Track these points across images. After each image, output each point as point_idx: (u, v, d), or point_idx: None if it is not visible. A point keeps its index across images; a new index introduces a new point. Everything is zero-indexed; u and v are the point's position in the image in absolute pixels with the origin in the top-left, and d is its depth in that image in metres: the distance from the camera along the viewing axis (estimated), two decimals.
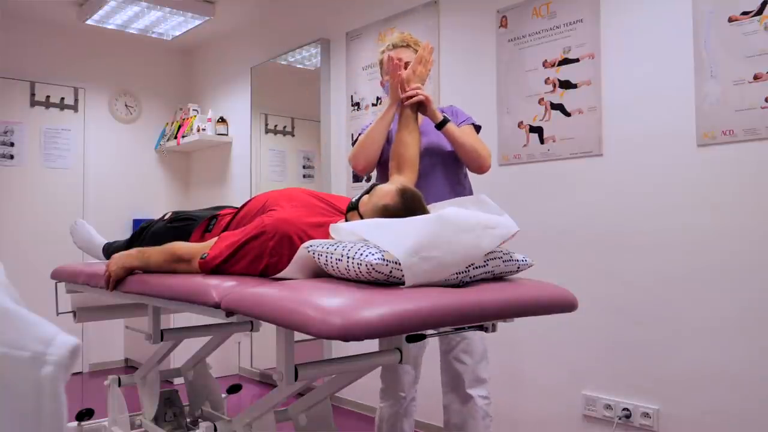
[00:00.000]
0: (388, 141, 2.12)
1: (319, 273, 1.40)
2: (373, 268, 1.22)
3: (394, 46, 2.15)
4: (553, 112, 2.64)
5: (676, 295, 2.27)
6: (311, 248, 1.36)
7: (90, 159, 4.71)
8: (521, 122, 2.75)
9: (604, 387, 2.48)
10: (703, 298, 2.20)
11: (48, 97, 4.55)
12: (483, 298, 1.28)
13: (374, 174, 2.31)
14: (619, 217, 2.43)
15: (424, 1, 3.18)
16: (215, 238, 1.69)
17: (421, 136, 2.03)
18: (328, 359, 2.36)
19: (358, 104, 3.57)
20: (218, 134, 4.65)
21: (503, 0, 2.83)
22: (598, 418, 2.47)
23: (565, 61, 2.59)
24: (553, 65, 2.64)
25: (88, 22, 4.29)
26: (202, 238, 1.87)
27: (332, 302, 1.14)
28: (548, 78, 2.65)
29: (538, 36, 2.69)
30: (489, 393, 2.12)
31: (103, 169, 4.77)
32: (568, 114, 2.59)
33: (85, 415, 2.43)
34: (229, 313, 1.38)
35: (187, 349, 2.47)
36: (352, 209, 1.61)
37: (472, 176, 2.23)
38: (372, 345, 1.48)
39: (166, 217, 2.10)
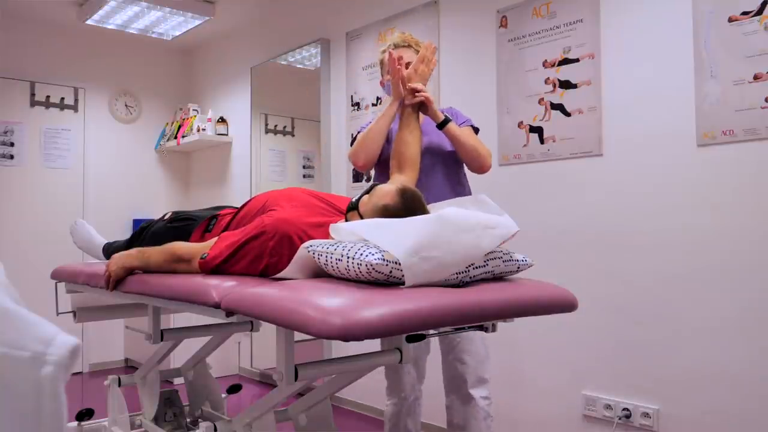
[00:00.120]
0: (388, 140, 2.12)
1: (319, 273, 1.40)
2: (373, 268, 1.22)
3: (396, 46, 2.15)
4: (553, 112, 2.64)
5: (676, 295, 2.27)
6: (311, 248, 1.36)
7: (90, 159, 4.71)
8: (521, 122, 2.75)
9: (604, 387, 2.48)
10: (703, 298, 2.20)
11: (48, 97, 4.55)
12: (483, 298, 1.28)
13: (373, 173, 2.31)
14: (619, 217, 2.43)
15: (424, 1, 3.18)
16: (215, 238, 1.69)
17: (422, 135, 2.03)
18: (328, 359, 2.37)
19: (358, 104, 3.57)
20: (218, 134, 4.65)
21: (503, 0, 2.83)
22: (598, 418, 2.47)
23: (565, 61, 2.59)
24: (553, 65, 2.64)
25: (88, 22, 4.29)
26: (202, 238, 1.87)
27: (332, 302, 1.14)
28: (548, 78, 2.65)
29: (538, 36, 2.69)
30: (490, 393, 2.12)
31: (103, 169, 4.77)
32: (568, 114, 2.59)
33: (85, 415, 2.43)
34: (229, 313, 1.38)
35: (187, 349, 2.47)
36: (352, 209, 1.61)
37: (472, 176, 2.23)
38: (372, 345, 1.48)
39: (166, 217, 2.10)
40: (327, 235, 1.48)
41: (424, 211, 1.51)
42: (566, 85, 2.59)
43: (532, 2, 2.72)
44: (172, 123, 4.96)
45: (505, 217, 1.42)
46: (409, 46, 2.16)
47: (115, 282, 1.82)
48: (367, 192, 1.61)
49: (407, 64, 2.05)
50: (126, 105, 4.92)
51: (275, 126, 4.40)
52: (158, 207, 4.87)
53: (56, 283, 2.32)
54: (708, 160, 2.20)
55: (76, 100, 4.67)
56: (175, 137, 4.80)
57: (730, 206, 2.15)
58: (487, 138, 2.81)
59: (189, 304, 1.51)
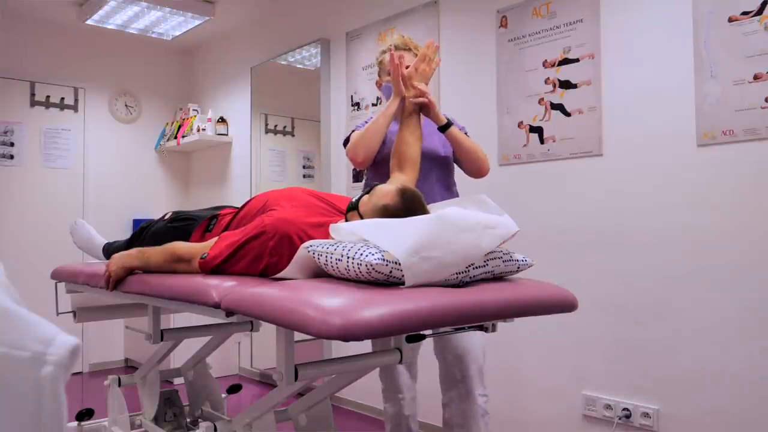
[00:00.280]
0: (385, 142, 2.11)
1: (319, 273, 1.40)
2: (373, 268, 1.22)
3: (396, 48, 2.14)
4: (553, 112, 2.64)
5: (676, 295, 2.27)
6: (311, 248, 1.36)
7: (90, 159, 4.71)
8: (521, 122, 2.75)
9: (604, 387, 2.48)
10: (703, 298, 2.20)
11: (48, 97, 4.55)
12: (483, 298, 1.28)
13: (366, 176, 2.31)
14: (619, 217, 2.43)
15: (424, 1, 3.18)
16: (215, 238, 1.69)
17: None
18: (328, 359, 2.36)
19: (358, 104, 3.57)
20: (218, 134, 4.65)
21: (503, 0, 2.83)
22: (598, 418, 2.47)
23: (565, 61, 2.59)
24: (553, 65, 2.64)
25: (88, 22, 4.29)
26: (202, 238, 1.87)
27: (332, 302, 1.14)
28: (548, 78, 2.65)
29: (538, 36, 2.69)
30: (487, 391, 2.12)
31: (103, 169, 4.77)
32: (568, 114, 2.59)
33: (85, 415, 2.43)
34: (229, 313, 1.38)
35: (187, 349, 2.48)
36: (352, 209, 1.61)
37: (472, 177, 2.23)
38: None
39: (166, 217, 2.10)
40: (327, 235, 1.48)
41: (424, 211, 1.51)
42: (566, 85, 2.59)
43: (532, 2, 2.72)
44: (172, 123, 4.96)
45: (505, 217, 1.42)
46: (409, 49, 2.15)
47: (115, 282, 1.82)
48: (367, 192, 1.61)
49: (407, 67, 2.05)
50: (126, 105, 4.92)
51: (275, 126, 4.40)
52: (158, 207, 4.87)
53: (56, 283, 2.32)
54: (708, 160, 2.20)
55: (76, 100, 4.67)
56: (175, 137, 4.80)
57: (730, 206, 2.15)
58: (487, 138, 2.81)
59: (189, 304, 1.51)
